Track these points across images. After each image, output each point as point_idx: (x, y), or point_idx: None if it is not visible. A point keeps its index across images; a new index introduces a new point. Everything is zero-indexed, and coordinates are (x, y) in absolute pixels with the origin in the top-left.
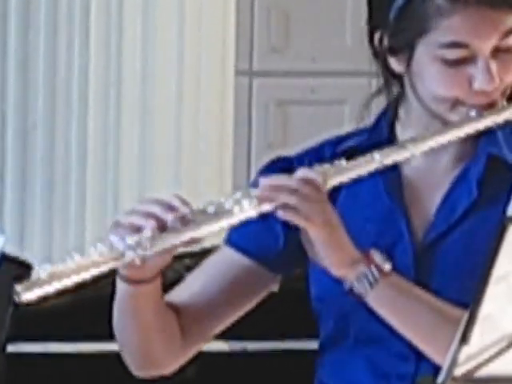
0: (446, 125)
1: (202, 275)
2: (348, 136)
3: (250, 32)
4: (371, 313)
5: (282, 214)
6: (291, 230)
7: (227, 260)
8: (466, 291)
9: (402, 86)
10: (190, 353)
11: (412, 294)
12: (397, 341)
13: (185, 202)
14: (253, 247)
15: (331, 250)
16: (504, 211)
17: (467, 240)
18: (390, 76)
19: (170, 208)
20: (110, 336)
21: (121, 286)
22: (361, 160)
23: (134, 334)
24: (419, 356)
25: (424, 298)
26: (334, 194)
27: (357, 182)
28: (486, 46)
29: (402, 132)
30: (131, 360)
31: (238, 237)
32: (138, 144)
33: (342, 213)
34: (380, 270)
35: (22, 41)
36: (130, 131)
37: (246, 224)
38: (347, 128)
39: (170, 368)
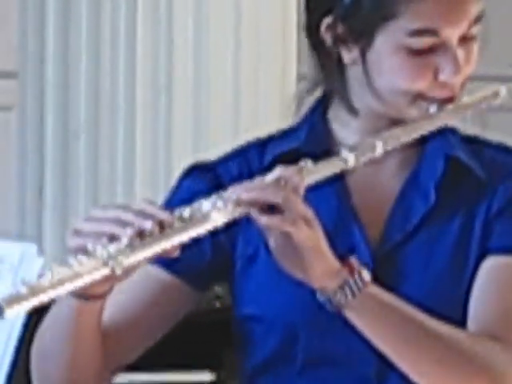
0: (406, 123)
1: (122, 294)
2: (274, 138)
3: None
4: (327, 329)
5: (264, 221)
6: (221, 243)
7: (147, 277)
8: (430, 299)
9: (343, 78)
10: (111, 375)
11: (395, 305)
12: (356, 362)
13: (160, 208)
14: (177, 264)
15: (315, 257)
16: (471, 219)
17: (429, 246)
18: (334, 67)
19: (145, 215)
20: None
21: (68, 302)
22: (329, 160)
23: (65, 355)
24: (381, 380)
25: (407, 310)
26: None
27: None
28: (455, 34)
29: (340, 131)
30: None
31: None
32: (192, 155)
33: None
34: (362, 278)
35: (63, 43)
36: (181, 141)
37: None
38: None
39: None
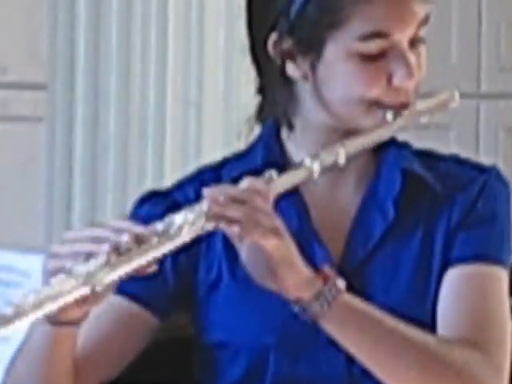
0: (365, 129)
1: (89, 326)
2: (227, 162)
3: None
4: (295, 354)
5: (235, 232)
6: (182, 268)
7: (110, 306)
8: (395, 313)
9: (292, 95)
10: None
11: (370, 314)
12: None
13: (133, 223)
14: (137, 291)
15: (287, 268)
16: (432, 232)
17: (391, 262)
18: (284, 84)
19: (120, 230)
20: None
21: (42, 329)
22: (292, 169)
23: (38, 381)
24: None
25: (382, 318)
26: None
27: None
28: (405, 36)
29: (293, 149)
30: None
31: (124, 281)
32: None
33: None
34: (337, 287)
35: (93, 55)
36: (211, 155)
37: None
38: None
39: None
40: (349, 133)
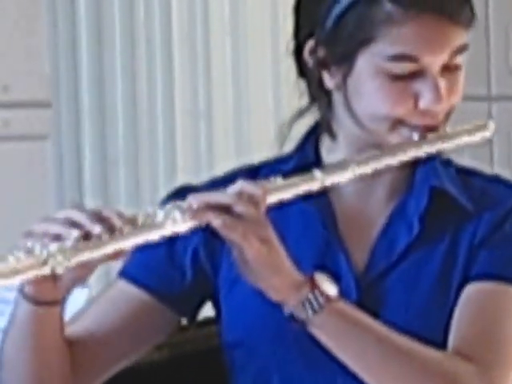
0: (387, 146)
1: (98, 309)
2: (265, 164)
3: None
4: (302, 358)
5: (217, 223)
6: (202, 266)
7: (123, 294)
8: (413, 327)
9: (330, 103)
10: None
11: (359, 322)
12: None
13: (112, 212)
14: (152, 282)
15: (270, 272)
16: (455, 247)
17: (412, 276)
18: (320, 93)
19: (98, 218)
20: None
21: (24, 307)
22: (300, 178)
23: (28, 364)
24: None
25: (372, 327)
26: None
27: (284, 212)
28: (437, 62)
29: (328, 156)
30: None
31: (136, 269)
32: None
33: None
34: (325, 295)
35: (97, 71)
36: (223, 169)
37: (145, 255)
38: None
39: None
40: (378, 146)
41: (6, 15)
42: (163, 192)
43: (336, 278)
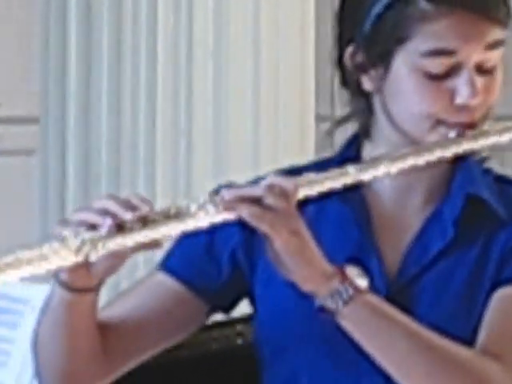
0: (424, 144)
1: (135, 297)
2: (309, 166)
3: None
4: (333, 357)
5: (247, 221)
6: (239, 263)
7: (161, 285)
8: (442, 331)
9: (370, 107)
10: (111, 376)
11: (388, 315)
12: None
13: (146, 202)
14: (191, 276)
15: (300, 263)
16: (488, 252)
17: (443, 281)
18: (361, 97)
19: (130, 207)
20: None
21: (59, 292)
22: (333, 172)
23: (61, 347)
24: None
25: (401, 320)
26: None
27: (323, 212)
28: (471, 55)
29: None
30: (50, 378)
31: (176, 262)
32: None
33: None
34: (355, 287)
35: (84, 88)
36: (201, 185)
37: (185, 249)
38: None
39: None
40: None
41: None
42: None
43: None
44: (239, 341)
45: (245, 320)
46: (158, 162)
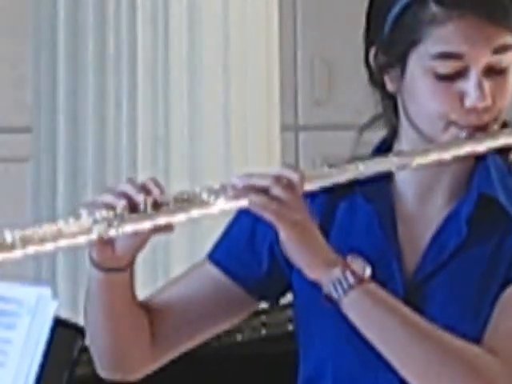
0: (434, 143)
1: (183, 284)
2: None
3: (294, 85)
4: (355, 351)
5: (252, 199)
6: (277, 258)
7: (208, 275)
8: (453, 328)
9: (395, 107)
10: (159, 361)
11: (388, 304)
12: (381, 381)
13: (159, 186)
14: (235, 267)
15: (303, 252)
16: (500, 251)
17: (456, 279)
18: (386, 97)
19: (144, 190)
20: None
21: (93, 273)
22: (343, 168)
23: (104, 326)
24: None
25: (401, 310)
26: (326, 227)
27: (352, 212)
28: (479, 59)
29: None
30: (98, 357)
31: (222, 254)
32: None
33: (334, 247)
34: (357, 276)
35: (72, 101)
36: (178, 187)
37: (230, 242)
38: None
39: (137, 373)
40: None
41: None
42: None
43: (386, 280)
44: (264, 331)
45: (269, 311)
46: (139, 167)
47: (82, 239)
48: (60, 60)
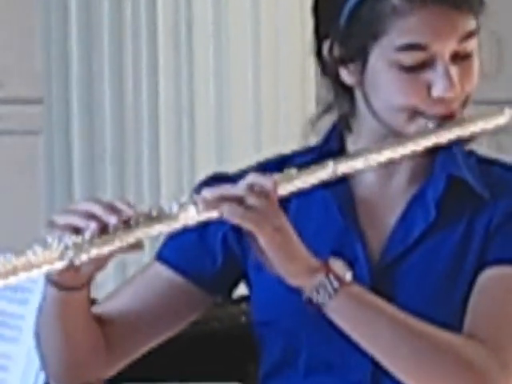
0: (401, 136)
1: (132, 289)
2: (294, 155)
3: None
4: (326, 335)
5: (229, 220)
6: (231, 249)
7: (158, 276)
8: (425, 312)
9: (352, 99)
10: (116, 367)
11: (373, 305)
12: (353, 370)
13: (129, 205)
14: (186, 265)
15: (285, 259)
16: (471, 233)
17: (426, 262)
18: (341, 90)
19: (113, 210)
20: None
21: (50, 291)
22: (313, 168)
23: (60, 342)
24: None
25: (386, 310)
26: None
27: (306, 200)
28: (445, 49)
29: (352, 148)
30: (53, 369)
31: (171, 253)
32: None
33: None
34: (339, 279)
35: (86, 66)
36: (204, 164)
37: (179, 240)
38: None
39: (93, 381)
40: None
41: (1, 18)
42: (147, 184)
43: (352, 264)
44: (244, 320)
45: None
46: (162, 140)
47: (54, 266)
48: (72, 26)
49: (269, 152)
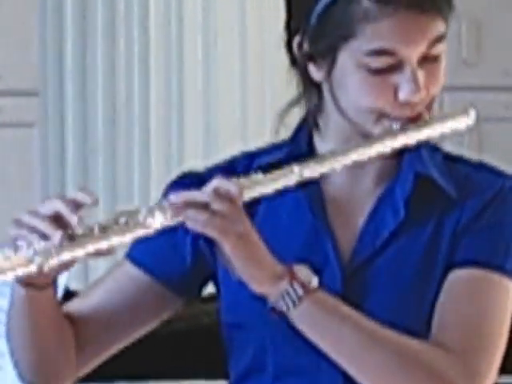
0: (368, 138)
1: (102, 289)
2: (262, 151)
3: None
4: (295, 340)
5: (193, 228)
6: (201, 250)
7: (127, 275)
8: (397, 313)
9: (320, 95)
10: (87, 367)
11: (338, 312)
12: (323, 373)
13: (90, 194)
14: (155, 265)
15: (249, 266)
16: (439, 234)
17: (397, 261)
18: (309, 85)
19: (77, 206)
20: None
21: (18, 290)
22: (279, 173)
23: (28, 340)
24: None
25: (351, 317)
26: (252, 211)
27: (277, 199)
28: (413, 54)
29: (320, 145)
30: (23, 369)
31: (140, 253)
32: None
33: (261, 232)
34: (304, 286)
35: (80, 62)
36: (193, 155)
37: (149, 240)
38: None
39: (64, 380)
40: (365, 137)
41: None
42: (137, 176)
43: (323, 265)
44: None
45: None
46: (152, 133)
47: (21, 272)
48: (67, 21)
49: (255, 143)
